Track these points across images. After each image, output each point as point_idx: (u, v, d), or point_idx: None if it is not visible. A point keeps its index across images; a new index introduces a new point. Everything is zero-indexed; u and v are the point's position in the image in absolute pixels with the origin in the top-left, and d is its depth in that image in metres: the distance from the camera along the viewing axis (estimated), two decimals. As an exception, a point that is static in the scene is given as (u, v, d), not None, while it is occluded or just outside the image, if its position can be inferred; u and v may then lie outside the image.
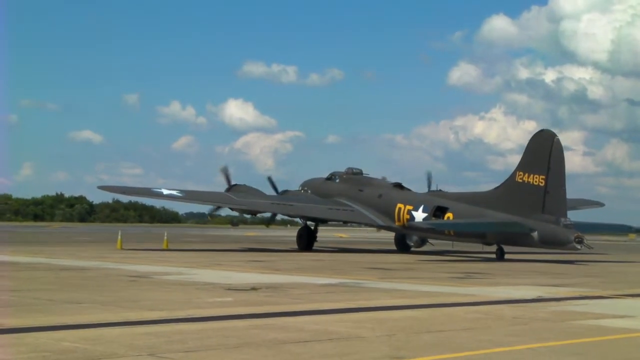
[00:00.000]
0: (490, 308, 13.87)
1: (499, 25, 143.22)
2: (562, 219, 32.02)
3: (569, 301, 15.61)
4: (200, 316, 11.74)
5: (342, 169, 42.23)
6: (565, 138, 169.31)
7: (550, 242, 32.39)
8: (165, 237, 37.98)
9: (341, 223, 50.41)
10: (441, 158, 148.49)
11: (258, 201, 39.87)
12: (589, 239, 32.72)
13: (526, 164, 33.03)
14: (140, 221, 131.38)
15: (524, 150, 33.79)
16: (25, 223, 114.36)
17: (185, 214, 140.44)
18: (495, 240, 33.94)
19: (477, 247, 39.24)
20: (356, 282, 18.93)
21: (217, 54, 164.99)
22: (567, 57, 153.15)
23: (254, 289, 16.35)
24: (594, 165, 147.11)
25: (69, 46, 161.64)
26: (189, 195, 40.33)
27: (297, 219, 44.84)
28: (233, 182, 41.17)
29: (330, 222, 45.58)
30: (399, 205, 37.77)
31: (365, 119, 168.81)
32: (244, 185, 40.96)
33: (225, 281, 18.22)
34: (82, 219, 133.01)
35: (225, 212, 46.65)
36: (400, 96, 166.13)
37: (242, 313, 12.19)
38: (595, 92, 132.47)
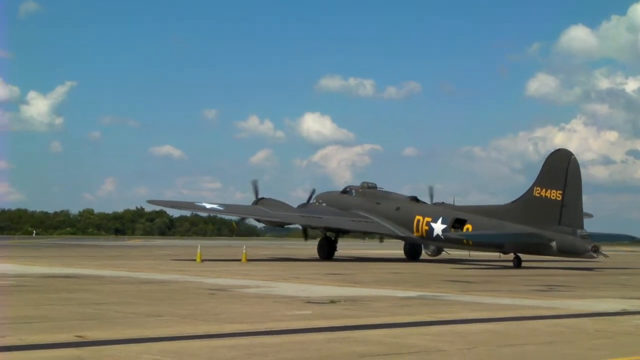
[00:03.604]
0: (572, 321, 13.61)
1: (577, 35, 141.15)
2: (579, 230, 34.38)
3: (654, 314, 15.25)
4: (279, 329, 11.76)
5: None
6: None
7: (568, 252, 34.67)
8: (244, 251, 38.23)
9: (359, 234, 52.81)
10: (520, 170, 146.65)
11: (289, 214, 43.10)
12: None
13: (544, 180, 35.40)
14: (219, 235, 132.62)
15: (541, 167, 36.02)
16: (106, 237, 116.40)
17: (264, 227, 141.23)
18: (513, 249, 36.34)
19: (493, 255, 41.68)
20: (435, 295, 18.79)
21: (294, 68, 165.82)
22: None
23: (332, 301, 16.33)
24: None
25: (148, 63, 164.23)
26: (228, 209, 44.09)
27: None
28: (260, 196, 43.96)
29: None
30: (417, 217, 40.43)
31: (443, 132, 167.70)
32: (270, 198, 43.76)
33: (303, 294, 18.23)
34: (162, 233, 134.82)
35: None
36: (478, 108, 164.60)
37: (321, 326, 12.18)
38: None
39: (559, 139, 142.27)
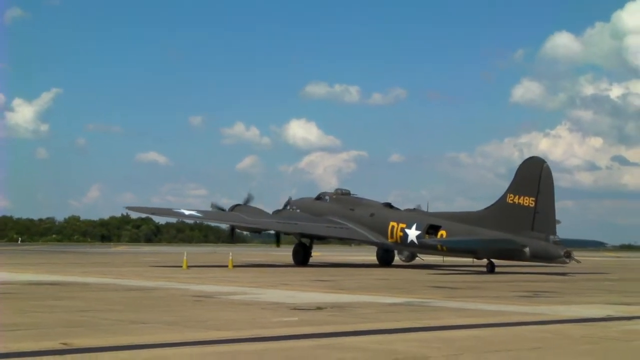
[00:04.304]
0: (558, 327, 13.65)
1: (562, 42, 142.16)
2: (552, 236, 35.21)
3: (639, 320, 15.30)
4: (265, 336, 11.75)
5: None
6: (633, 154, 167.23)
7: (541, 257, 35.56)
8: (230, 257, 38.18)
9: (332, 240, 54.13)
10: (505, 175, 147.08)
11: (267, 221, 43.92)
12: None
13: (517, 187, 36.23)
14: (206, 241, 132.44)
15: (514, 175, 36.80)
16: (92, 244, 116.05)
17: (249, 234, 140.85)
18: (487, 255, 36.93)
19: (465, 261, 42.79)
20: (422, 301, 18.79)
21: (280, 74, 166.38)
22: (633, 72, 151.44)
23: (319, 308, 16.32)
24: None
25: (134, 70, 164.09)
26: (207, 216, 45.09)
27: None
28: (234, 203, 44.57)
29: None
30: (391, 223, 41.02)
31: (429, 138, 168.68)
32: (246, 205, 44.29)
33: (290, 301, 18.21)
34: (148, 240, 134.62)
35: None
36: (463, 114, 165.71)
37: (308, 332, 12.16)
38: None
39: (544, 145, 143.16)
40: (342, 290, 22.40)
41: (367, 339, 11.61)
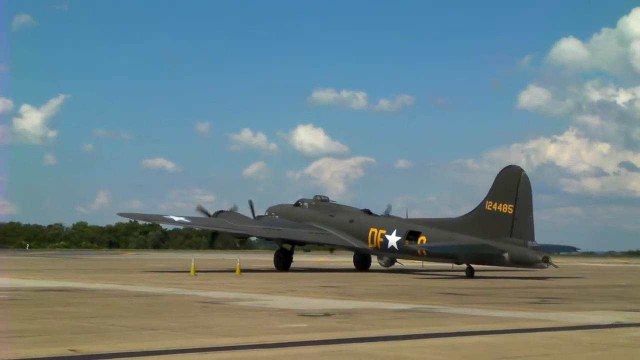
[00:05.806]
0: (567, 334, 13.59)
1: (569, 48, 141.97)
2: (530, 242, 36.16)
3: (648, 326, 15.24)
4: (273, 342, 11.72)
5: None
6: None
7: (520, 262, 36.57)
8: (238, 264, 38.17)
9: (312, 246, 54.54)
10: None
11: (251, 226, 44.51)
12: None
13: (495, 195, 37.23)
14: (213, 248, 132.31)
15: (492, 183, 37.70)
16: (100, 250, 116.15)
17: (257, 239, 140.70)
18: (467, 260, 37.80)
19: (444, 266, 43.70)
20: (429, 308, 18.75)
21: (287, 81, 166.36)
22: (639, 78, 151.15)
23: (327, 314, 16.29)
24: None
25: (141, 76, 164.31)
26: (194, 222, 46.03)
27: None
28: (217, 209, 45.41)
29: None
30: (372, 229, 41.94)
31: (436, 144, 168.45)
32: (230, 211, 45.07)
33: (298, 307, 18.19)
34: (155, 246, 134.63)
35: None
36: (470, 120, 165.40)
37: (316, 339, 12.14)
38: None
39: (551, 151, 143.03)
40: (349, 297, 22.37)
41: (375, 346, 11.59)
